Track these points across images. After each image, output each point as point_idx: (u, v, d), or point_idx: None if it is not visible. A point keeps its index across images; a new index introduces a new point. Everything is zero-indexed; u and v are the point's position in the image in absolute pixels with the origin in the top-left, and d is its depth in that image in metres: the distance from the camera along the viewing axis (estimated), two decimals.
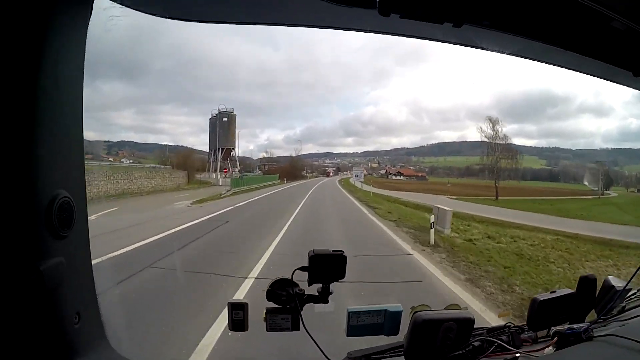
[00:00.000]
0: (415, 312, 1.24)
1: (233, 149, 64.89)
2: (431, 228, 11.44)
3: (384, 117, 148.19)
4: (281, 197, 29.67)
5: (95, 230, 7.46)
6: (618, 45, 1.18)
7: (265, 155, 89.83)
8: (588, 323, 1.41)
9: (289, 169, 74.15)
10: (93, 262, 1.14)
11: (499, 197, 42.30)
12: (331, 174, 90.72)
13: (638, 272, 1.45)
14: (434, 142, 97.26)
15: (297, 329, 1.28)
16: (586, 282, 1.57)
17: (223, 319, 4.88)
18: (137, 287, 6.35)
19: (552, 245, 13.51)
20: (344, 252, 1.26)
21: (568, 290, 1.51)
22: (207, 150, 65.99)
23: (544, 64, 1.46)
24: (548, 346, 1.38)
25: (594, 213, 28.19)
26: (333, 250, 1.26)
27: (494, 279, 7.60)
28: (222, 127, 63.14)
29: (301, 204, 22.75)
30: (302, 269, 1.26)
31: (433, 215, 12.27)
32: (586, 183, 48.66)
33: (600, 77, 1.52)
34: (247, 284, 6.63)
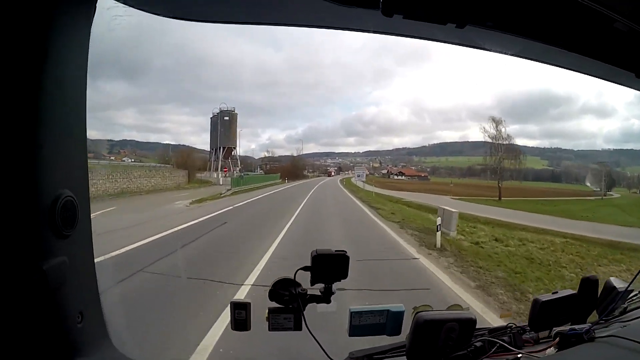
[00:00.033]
0: (418, 313, 1.24)
1: (234, 148, 64.80)
2: (437, 231, 11.06)
3: (385, 117, 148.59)
4: (282, 197, 29.50)
5: None
6: (620, 47, 1.18)
7: (267, 155, 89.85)
8: (590, 324, 1.41)
9: (291, 169, 74.15)
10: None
11: (502, 198, 42.21)
12: (332, 173, 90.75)
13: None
14: (435, 142, 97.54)
15: (300, 328, 1.28)
16: (588, 283, 1.57)
17: (224, 318, 4.91)
18: (129, 291, 6.18)
19: (562, 248, 13.15)
20: (346, 252, 1.26)
21: (570, 291, 1.51)
22: (209, 150, 66.01)
23: (546, 65, 1.46)
24: (550, 347, 1.38)
25: (599, 214, 28.05)
26: (336, 250, 1.26)
27: (506, 286, 7.28)
28: (224, 126, 63.05)
29: (302, 204, 22.62)
30: (305, 268, 1.26)
31: (439, 218, 11.86)
32: (588, 184, 48.50)
33: (602, 78, 1.52)
34: (243, 291, 6.33)
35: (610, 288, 1.57)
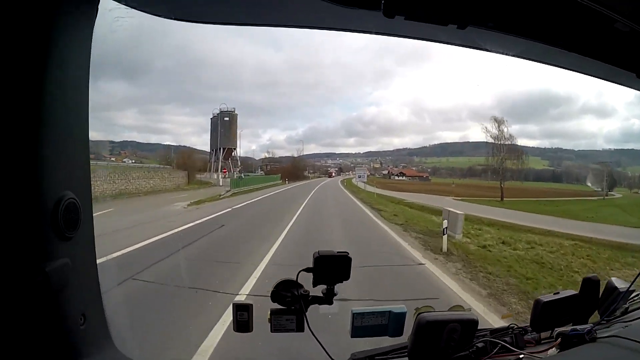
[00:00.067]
0: (420, 314, 1.24)
1: (234, 148, 65.02)
2: (443, 234, 10.56)
3: (386, 117, 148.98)
4: (282, 198, 29.32)
5: None
6: (621, 47, 1.18)
7: (267, 156, 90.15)
8: (591, 324, 1.41)
9: (291, 170, 74.26)
10: None
11: (504, 198, 42.01)
12: (333, 174, 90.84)
13: None
14: (436, 142, 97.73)
15: (302, 330, 1.28)
16: (589, 284, 1.57)
17: (225, 320, 4.91)
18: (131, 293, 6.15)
19: (572, 252, 12.75)
20: (348, 253, 1.26)
21: (571, 292, 1.51)
22: (209, 150, 66.05)
23: (547, 65, 1.46)
24: (551, 347, 1.38)
25: (603, 215, 27.83)
26: (338, 252, 1.27)
27: (519, 294, 6.96)
28: (224, 126, 63.14)
29: (302, 206, 22.39)
30: (307, 270, 1.27)
31: (445, 221, 11.29)
32: (589, 184, 48.42)
33: (603, 79, 1.52)
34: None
35: (611, 288, 1.57)
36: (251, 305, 1.27)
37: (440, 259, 9.44)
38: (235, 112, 64.85)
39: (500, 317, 5.46)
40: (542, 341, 1.46)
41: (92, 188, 1.12)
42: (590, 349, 1.31)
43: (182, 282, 6.79)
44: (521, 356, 1.33)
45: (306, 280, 1.28)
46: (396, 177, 79.00)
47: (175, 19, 1.25)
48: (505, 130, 46.08)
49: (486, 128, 46.85)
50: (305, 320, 1.28)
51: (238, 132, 65.71)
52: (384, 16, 0.98)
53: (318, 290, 1.31)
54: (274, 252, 9.68)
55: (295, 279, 1.28)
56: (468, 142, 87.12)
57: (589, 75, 1.51)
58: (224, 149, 62.38)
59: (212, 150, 64.13)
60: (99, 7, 1.06)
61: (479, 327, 1.30)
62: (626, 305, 1.56)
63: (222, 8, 1.27)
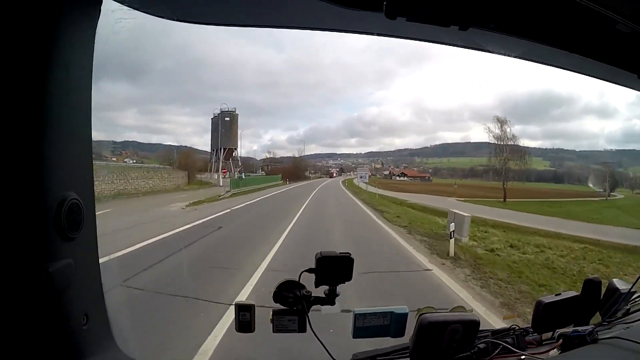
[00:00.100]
0: (421, 314, 1.25)
1: (235, 149, 64.90)
2: (451, 237, 10.15)
3: (387, 117, 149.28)
4: (282, 199, 29.13)
5: None
6: (623, 48, 1.18)
7: (268, 156, 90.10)
8: (593, 326, 1.41)
9: (292, 170, 74.15)
10: None
11: (507, 199, 41.75)
12: (334, 174, 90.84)
13: None
14: (437, 142, 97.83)
15: (304, 330, 1.29)
16: (591, 285, 1.57)
17: (227, 320, 4.94)
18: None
19: (583, 256, 12.41)
20: (350, 254, 1.27)
21: (573, 293, 1.51)
22: (209, 151, 66.00)
23: (549, 66, 1.46)
24: (553, 348, 1.38)
25: (607, 216, 27.51)
26: (340, 253, 1.27)
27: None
28: (224, 126, 63.00)
29: (303, 207, 22.07)
30: (309, 271, 1.27)
31: (453, 223, 10.78)
32: (591, 185, 48.28)
33: (604, 80, 1.52)
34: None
35: (613, 290, 1.57)
36: (253, 305, 1.28)
37: (448, 264, 9.05)
38: (236, 112, 64.74)
39: (502, 317, 5.42)
40: (544, 342, 1.46)
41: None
42: (591, 350, 1.31)
43: (174, 290, 6.29)
44: (522, 357, 1.33)
45: (308, 280, 1.28)
46: (397, 178, 78.93)
47: (177, 20, 1.25)
48: (508, 130, 45.69)
49: (489, 128, 46.41)
50: (307, 321, 1.29)
51: (239, 132, 65.69)
52: (386, 17, 0.98)
53: (320, 291, 1.31)
54: (273, 256, 9.25)
55: (297, 279, 1.29)
56: (469, 142, 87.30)
57: (590, 76, 1.51)
58: (224, 149, 62.26)
59: (213, 151, 64.01)
60: (102, 8, 1.06)
61: (480, 328, 1.31)
62: (628, 307, 1.56)
63: (223, 9, 1.27)
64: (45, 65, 0.91)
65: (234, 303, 1.30)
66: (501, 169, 45.57)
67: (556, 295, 1.48)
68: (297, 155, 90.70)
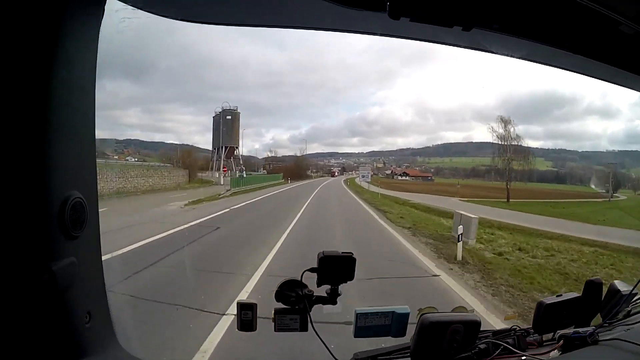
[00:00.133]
0: (423, 314, 1.25)
1: (237, 147, 64.64)
2: (458, 241, 9.72)
3: (389, 117, 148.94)
4: (283, 198, 28.95)
5: None
6: (626, 49, 1.18)
7: (270, 155, 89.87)
8: (593, 327, 1.41)
9: (294, 169, 74.09)
10: None
11: (510, 200, 41.41)
12: (336, 173, 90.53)
13: None
14: (439, 142, 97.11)
15: (306, 329, 1.29)
16: (592, 286, 1.56)
17: (228, 319, 4.96)
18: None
19: (594, 260, 11.94)
20: (353, 253, 1.27)
21: (574, 294, 1.51)
22: (211, 149, 65.88)
23: (552, 67, 1.46)
24: (553, 349, 1.38)
25: (612, 217, 26.94)
26: (342, 252, 1.27)
27: None
28: (226, 125, 62.79)
29: (304, 207, 21.80)
30: (312, 270, 1.27)
31: (461, 226, 10.29)
32: (593, 186, 48.07)
33: (607, 81, 1.52)
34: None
35: (614, 291, 1.57)
36: (255, 304, 1.28)
37: (456, 269, 8.66)
38: (238, 111, 64.43)
39: (503, 318, 5.42)
40: (544, 343, 1.46)
41: None
42: (592, 352, 1.31)
43: (165, 297, 6.02)
44: (523, 358, 1.33)
45: (310, 280, 1.29)
46: (399, 177, 78.68)
47: (180, 20, 1.26)
48: (512, 130, 45.20)
49: (492, 128, 45.98)
50: (309, 320, 1.29)
51: (240, 130, 65.41)
52: (389, 18, 0.98)
53: (322, 291, 1.31)
54: (272, 259, 8.91)
55: (299, 278, 1.29)
56: (472, 142, 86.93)
57: (593, 77, 1.51)
58: (226, 147, 62.08)
59: (215, 149, 63.83)
60: (106, 7, 1.06)
61: (481, 329, 1.31)
62: (628, 308, 1.56)
63: (227, 9, 1.28)
64: (49, 64, 0.91)
65: (236, 301, 1.29)
66: (504, 169, 45.14)
67: (557, 296, 1.48)
68: (298, 154, 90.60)
